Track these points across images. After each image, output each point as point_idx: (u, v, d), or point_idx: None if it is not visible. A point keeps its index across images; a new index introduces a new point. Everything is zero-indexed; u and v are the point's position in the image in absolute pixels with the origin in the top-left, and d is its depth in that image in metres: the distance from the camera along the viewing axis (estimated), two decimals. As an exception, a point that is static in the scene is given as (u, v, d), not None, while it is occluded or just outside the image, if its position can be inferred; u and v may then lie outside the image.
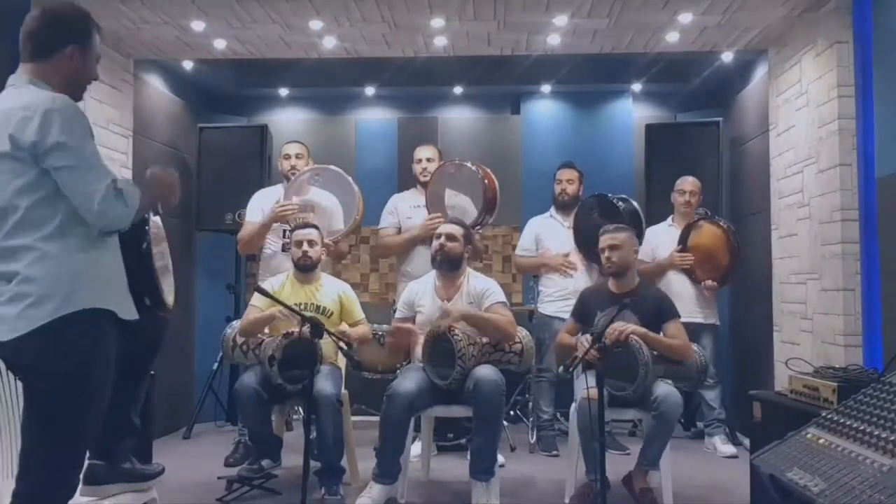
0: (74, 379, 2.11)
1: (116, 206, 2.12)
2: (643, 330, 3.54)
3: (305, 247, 4.04)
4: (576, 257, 4.76)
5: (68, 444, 2.14)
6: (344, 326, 4.07)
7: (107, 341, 2.18)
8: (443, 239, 3.88)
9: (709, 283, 4.76)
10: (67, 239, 2.13)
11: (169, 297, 2.61)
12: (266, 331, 3.95)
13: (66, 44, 2.22)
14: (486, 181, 4.46)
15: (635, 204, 4.70)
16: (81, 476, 2.49)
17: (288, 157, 4.69)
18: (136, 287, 2.33)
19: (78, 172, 2.09)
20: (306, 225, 4.14)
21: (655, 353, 3.50)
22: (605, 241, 3.81)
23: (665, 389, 3.50)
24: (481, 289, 3.88)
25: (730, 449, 4.61)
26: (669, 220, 5.04)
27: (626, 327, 3.47)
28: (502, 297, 3.88)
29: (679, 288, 4.74)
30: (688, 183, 4.95)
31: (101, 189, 2.09)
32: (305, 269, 4.07)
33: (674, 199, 5.01)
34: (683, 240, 4.84)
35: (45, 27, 2.23)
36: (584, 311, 3.85)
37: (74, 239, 2.14)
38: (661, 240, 4.95)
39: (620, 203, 4.61)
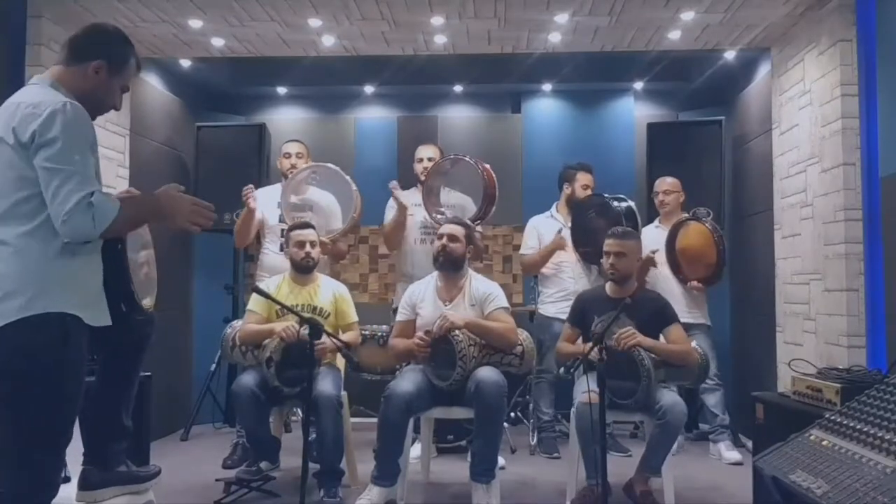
0: (39, 380, 2.07)
1: (82, 221, 2.08)
2: (649, 341, 3.49)
3: (308, 248, 4.01)
4: (573, 258, 4.77)
5: (40, 444, 2.10)
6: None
7: (73, 344, 2.14)
8: (445, 240, 3.85)
9: (694, 283, 4.70)
10: (48, 240, 2.10)
11: (147, 300, 2.56)
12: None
13: (97, 56, 2.28)
14: (485, 175, 4.44)
15: (632, 203, 4.68)
16: (77, 482, 2.48)
17: (288, 155, 4.67)
18: (111, 291, 2.30)
19: (59, 176, 2.07)
20: (305, 225, 4.11)
21: (657, 358, 3.46)
22: (611, 245, 3.73)
23: (671, 398, 3.45)
24: (484, 293, 3.83)
25: (735, 456, 4.54)
26: (657, 221, 5.01)
27: (631, 337, 3.42)
28: (505, 303, 3.84)
29: (667, 288, 4.67)
30: (664, 183, 4.92)
31: (74, 200, 2.06)
32: (306, 269, 4.03)
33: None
34: (671, 239, 4.79)
35: (86, 36, 2.32)
36: (581, 316, 3.80)
37: (56, 241, 2.11)
38: (648, 242, 4.91)
39: (616, 204, 4.58)
